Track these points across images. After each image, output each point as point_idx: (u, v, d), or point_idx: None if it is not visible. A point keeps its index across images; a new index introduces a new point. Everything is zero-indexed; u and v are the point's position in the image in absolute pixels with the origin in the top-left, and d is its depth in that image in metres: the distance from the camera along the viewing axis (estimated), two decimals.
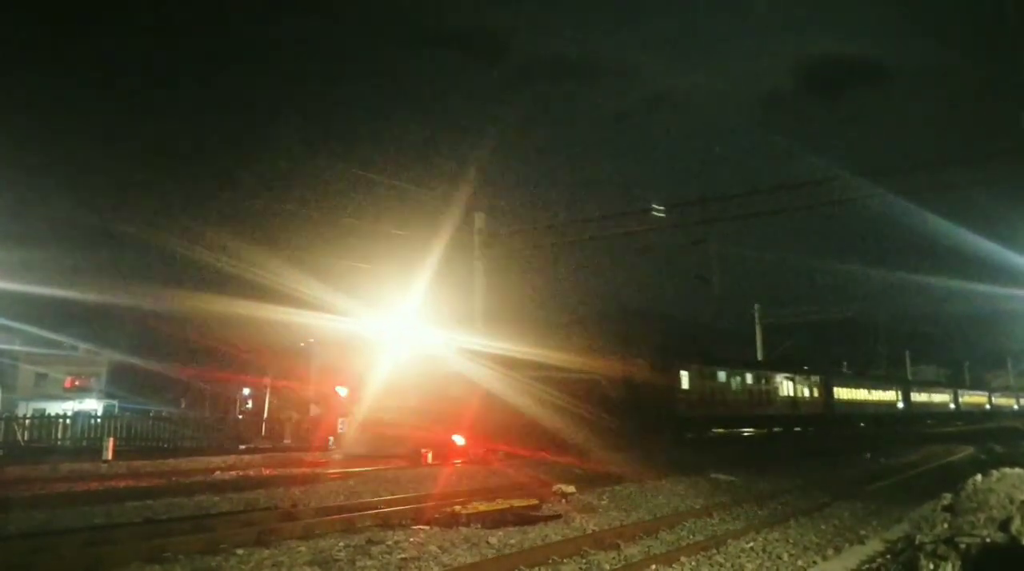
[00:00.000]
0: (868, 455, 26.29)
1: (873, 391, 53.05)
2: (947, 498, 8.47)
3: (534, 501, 11.72)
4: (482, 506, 10.81)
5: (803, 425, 41.29)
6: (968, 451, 28.02)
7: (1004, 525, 6.35)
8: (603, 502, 12.95)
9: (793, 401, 40.56)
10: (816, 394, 43.40)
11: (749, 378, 36.73)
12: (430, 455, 20.02)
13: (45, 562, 7.67)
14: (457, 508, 10.65)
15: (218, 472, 15.87)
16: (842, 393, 47.19)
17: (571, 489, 13.29)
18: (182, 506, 11.73)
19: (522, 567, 7.88)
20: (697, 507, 12.54)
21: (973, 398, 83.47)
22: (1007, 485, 8.03)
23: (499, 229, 30.71)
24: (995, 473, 8.75)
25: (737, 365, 37.09)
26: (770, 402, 38.06)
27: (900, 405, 57.22)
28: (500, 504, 11.10)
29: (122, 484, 13.66)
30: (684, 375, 31.54)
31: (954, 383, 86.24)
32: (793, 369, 42.54)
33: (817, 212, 26.79)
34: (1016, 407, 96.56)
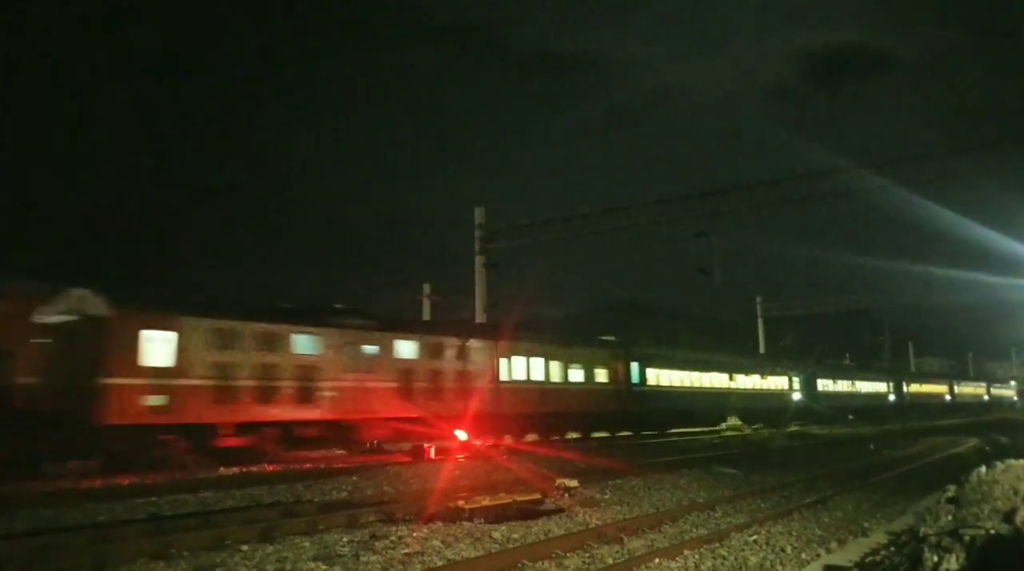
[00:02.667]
0: (872, 446, 26.32)
1: (738, 376, 37.23)
2: (951, 490, 8.46)
3: (537, 496, 11.72)
4: (485, 501, 10.82)
5: (575, 425, 26.69)
6: (972, 443, 28.01)
7: (1008, 516, 6.34)
8: (606, 496, 12.96)
9: (539, 391, 24.61)
10: (604, 379, 27.62)
11: (405, 349, 20.64)
12: (432, 450, 20.03)
13: (52, 559, 7.68)
14: (460, 503, 10.65)
15: (221, 468, 15.88)
16: (667, 378, 31.79)
17: (574, 483, 13.28)
18: (186, 502, 11.76)
19: (525, 561, 7.89)
20: (700, 501, 12.54)
21: (928, 387, 67.31)
22: (1011, 477, 8.01)
23: (500, 224, 30.74)
24: (999, 465, 8.73)
25: (356, 323, 19.85)
26: (466, 391, 22.07)
27: (796, 396, 42.18)
28: (503, 499, 11.10)
29: (126, 481, 13.68)
30: (152, 338, 15.86)
31: (904, 369, 70.81)
32: (536, 337, 26.03)
33: (820, 204, 26.79)
34: (987, 398, 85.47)
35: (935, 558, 5.80)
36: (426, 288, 40.77)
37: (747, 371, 38.51)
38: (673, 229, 29.07)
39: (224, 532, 8.93)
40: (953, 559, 5.70)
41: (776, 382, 41.29)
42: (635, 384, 29.23)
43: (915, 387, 62.71)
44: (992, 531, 6.02)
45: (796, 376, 43.24)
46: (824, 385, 46.25)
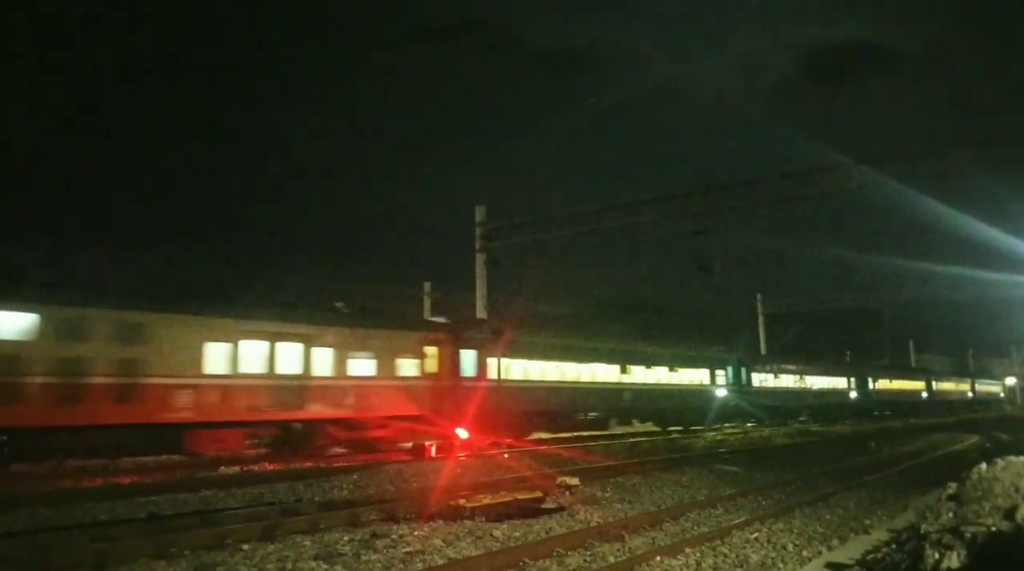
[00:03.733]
0: (872, 444, 26.33)
1: (634, 368, 29.81)
2: (952, 487, 8.44)
3: (538, 494, 11.73)
4: (486, 499, 10.83)
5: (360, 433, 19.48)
6: (972, 440, 28.04)
7: (1009, 514, 6.33)
8: (607, 494, 12.96)
9: (286, 389, 17.78)
10: (413, 371, 21.00)
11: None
12: (434, 448, 20.04)
13: (52, 559, 7.68)
14: (461, 501, 10.66)
15: (223, 467, 15.90)
16: (521, 369, 24.96)
17: (575, 481, 13.31)
18: (186, 501, 11.76)
19: (526, 560, 7.89)
20: (701, 498, 12.55)
21: (900, 383, 59.00)
22: (1012, 473, 7.99)
23: (501, 222, 30.76)
24: (999, 462, 8.70)
25: None
26: (142, 390, 15.59)
27: (721, 392, 34.96)
28: (504, 497, 11.11)
29: (127, 481, 13.68)
30: None
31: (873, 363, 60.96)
32: (285, 314, 18.78)
33: (821, 200, 26.76)
34: (971, 395, 79.09)
35: (936, 555, 5.79)
36: (427, 286, 40.80)
37: (648, 362, 30.82)
38: (674, 226, 29.03)
39: (225, 531, 8.93)
40: (954, 556, 5.70)
41: (693, 376, 33.81)
42: (472, 378, 22.54)
43: (884, 383, 55.30)
44: (993, 528, 6.02)
45: (721, 368, 35.69)
46: (761, 379, 39.04)
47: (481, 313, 29.15)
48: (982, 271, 49.66)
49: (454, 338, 22.43)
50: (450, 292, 39.41)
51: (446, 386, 21.55)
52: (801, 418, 41.82)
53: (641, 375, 30.21)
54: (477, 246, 29.85)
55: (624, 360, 29.36)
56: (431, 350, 21.56)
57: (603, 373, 28.20)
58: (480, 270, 29.72)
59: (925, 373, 68.12)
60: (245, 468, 15.95)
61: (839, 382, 48.90)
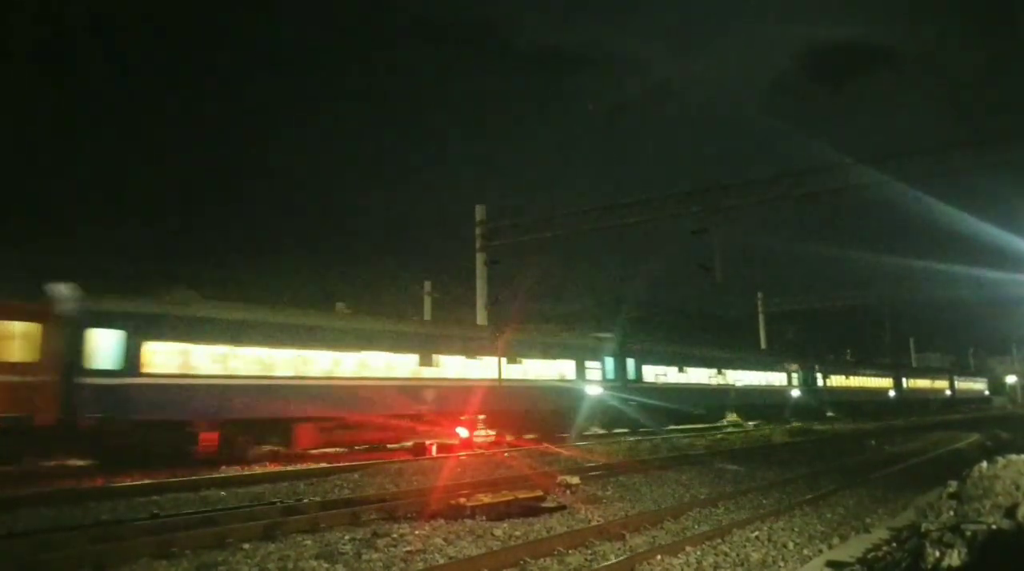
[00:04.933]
0: (872, 443, 26.35)
1: (447, 358, 22.13)
2: (952, 486, 8.44)
3: (539, 493, 11.73)
4: (487, 498, 10.82)
5: None
6: (973, 438, 28.06)
7: (1010, 512, 6.33)
8: (608, 493, 12.96)
9: None
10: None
11: None
12: (434, 447, 20.06)
13: (52, 559, 7.68)
14: (462, 500, 10.67)
15: (223, 467, 15.91)
16: (243, 361, 17.55)
17: (576, 480, 13.31)
18: (187, 501, 11.76)
19: (527, 559, 7.89)
20: (702, 497, 12.55)
21: (860, 381, 51.46)
22: (1013, 472, 7.98)
23: (501, 221, 30.76)
24: (1000, 460, 8.70)
25: None
26: None
27: (593, 391, 26.57)
28: (505, 496, 11.11)
29: (127, 480, 13.68)
30: None
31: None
32: None
33: (821, 199, 26.73)
34: (949, 393, 70.39)
35: (937, 554, 5.79)
36: (427, 286, 40.79)
37: (469, 351, 22.99)
38: (674, 225, 29.02)
39: (226, 530, 8.94)
40: (955, 554, 5.70)
41: (546, 369, 25.67)
42: (116, 372, 15.41)
43: (838, 380, 47.42)
44: (994, 526, 6.02)
45: (594, 359, 27.34)
46: (659, 374, 31.13)
47: (481, 313, 29.16)
48: (982, 269, 49.53)
49: (71, 311, 15.27)
50: (450, 292, 39.43)
51: (49, 384, 14.67)
52: (727, 422, 35.26)
53: (458, 368, 22.43)
54: (477, 246, 29.86)
55: (425, 347, 21.56)
56: (20, 328, 14.65)
57: (399, 366, 20.73)
58: (480, 270, 29.74)
59: (894, 369, 60.09)
60: (246, 467, 15.98)
61: (776, 378, 41.03)
